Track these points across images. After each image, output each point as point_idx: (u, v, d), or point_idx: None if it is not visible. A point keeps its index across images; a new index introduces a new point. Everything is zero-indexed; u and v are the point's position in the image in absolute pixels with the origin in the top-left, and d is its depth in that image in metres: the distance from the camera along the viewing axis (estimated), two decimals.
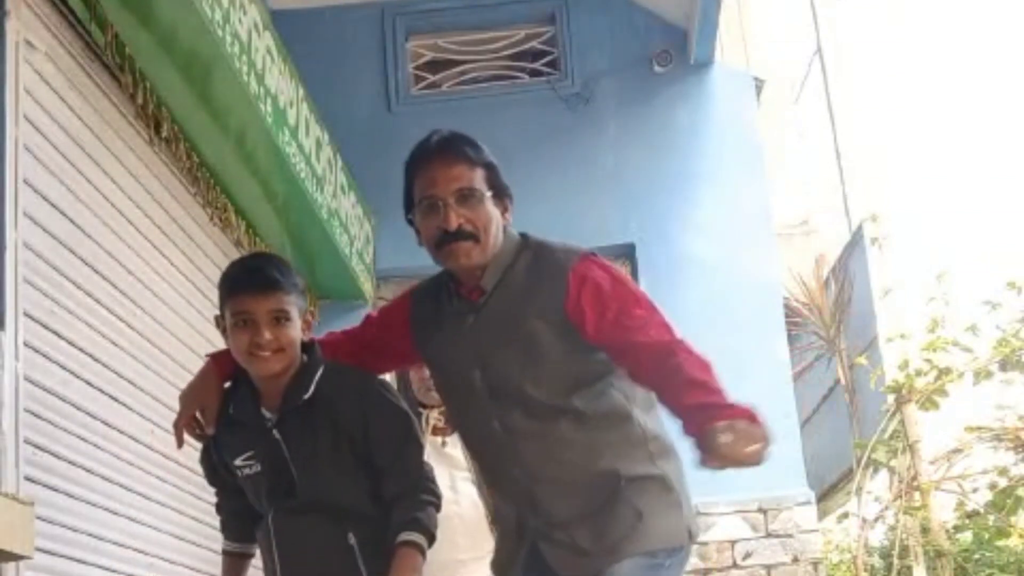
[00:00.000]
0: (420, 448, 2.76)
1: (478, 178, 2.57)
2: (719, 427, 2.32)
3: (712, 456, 2.33)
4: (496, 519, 2.83)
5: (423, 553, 2.63)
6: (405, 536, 2.62)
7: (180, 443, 2.76)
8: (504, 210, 2.63)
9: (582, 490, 2.56)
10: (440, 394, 2.86)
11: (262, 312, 2.64)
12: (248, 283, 2.68)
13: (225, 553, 2.84)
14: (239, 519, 2.82)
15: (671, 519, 2.60)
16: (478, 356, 2.61)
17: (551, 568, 2.57)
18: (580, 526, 2.54)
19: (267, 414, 2.71)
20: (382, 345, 2.81)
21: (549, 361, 2.57)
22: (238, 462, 2.73)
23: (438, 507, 2.72)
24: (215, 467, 2.81)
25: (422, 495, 2.68)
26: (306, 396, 2.69)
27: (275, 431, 2.69)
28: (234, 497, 2.81)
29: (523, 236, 2.69)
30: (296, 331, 2.69)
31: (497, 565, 2.75)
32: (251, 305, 2.65)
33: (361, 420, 2.68)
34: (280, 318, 2.66)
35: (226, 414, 2.74)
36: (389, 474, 2.68)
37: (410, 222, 2.65)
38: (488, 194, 2.57)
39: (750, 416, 2.38)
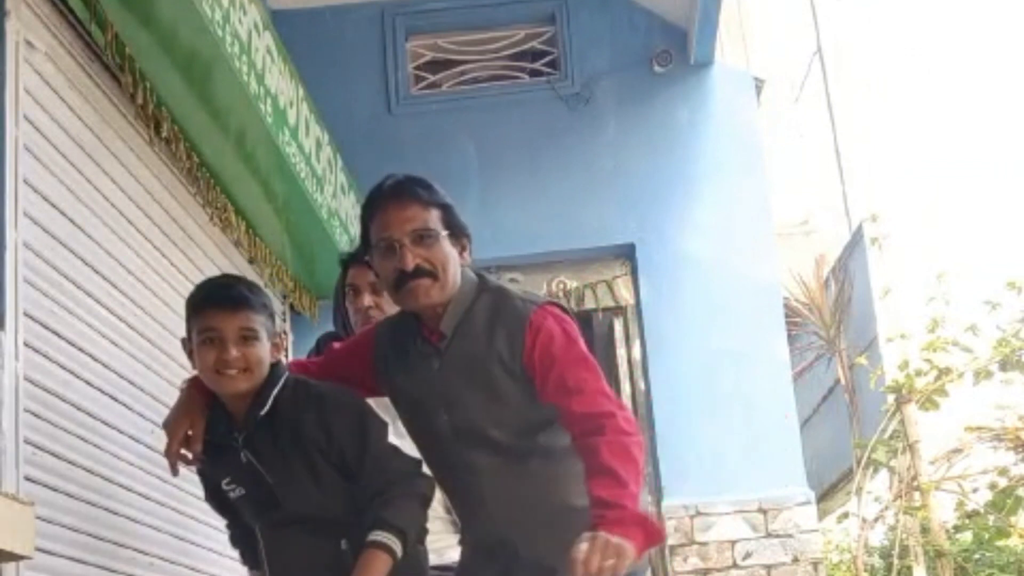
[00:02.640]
0: (386, 443, 2.71)
1: (433, 218, 2.61)
2: (583, 537, 2.33)
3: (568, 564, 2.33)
4: (463, 541, 2.83)
5: (390, 551, 2.56)
6: (371, 536, 2.57)
7: (175, 471, 2.75)
8: (462, 249, 2.65)
9: (551, 527, 2.56)
10: (408, 432, 2.85)
11: (230, 329, 2.62)
12: (216, 299, 2.66)
13: None
14: (254, 547, 2.79)
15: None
16: (444, 399, 2.63)
17: None
18: (550, 555, 2.53)
19: (237, 435, 2.69)
20: (348, 376, 2.82)
21: (511, 406, 2.60)
22: (223, 486, 2.73)
23: (421, 497, 2.67)
24: (215, 495, 2.81)
25: (396, 489, 2.63)
26: (263, 412, 2.66)
27: (244, 452, 2.67)
28: (244, 525, 2.79)
29: (480, 277, 2.71)
30: (264, 351, 2.66)
31: None
32: (219, 322, 2.62)
33: (323, 428, 2.66)
34: (248, 336, 2.63)
35: (207, 441, 2.73)
36: (361, 476, 2.65)
37: (368, 264, 2.69)
38: (444, 233, 2.60)
39: (640, 521, 2.40)
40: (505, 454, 2.61)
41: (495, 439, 2.60)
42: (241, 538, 2.84)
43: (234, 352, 2.61)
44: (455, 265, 2.62)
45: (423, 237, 2.58)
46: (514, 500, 2.60)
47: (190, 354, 2.70)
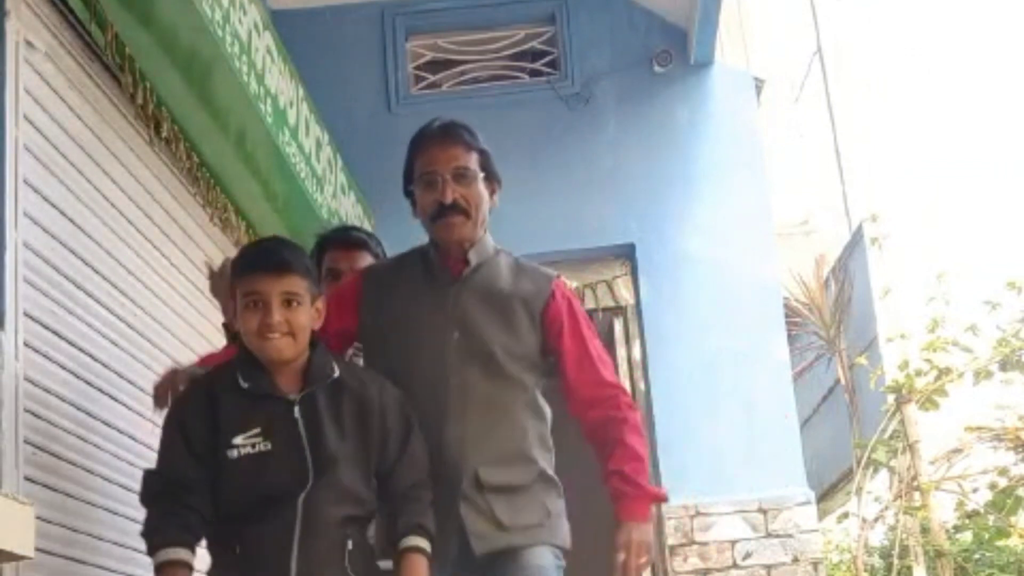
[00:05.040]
0: (422, 442, 2.77)
1: (473, 160, 2.90)
2: (618, 542, 2.79)
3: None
4: None
5: (428, 555, 2.66)
6: (414, 541, 2.65)
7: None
8: (492, 192, 2.95)
9: (509, 464, 2.82)
10: (390, 352, 2.88)
11: (274, 293, 2.62)
12: (261, 263, 2.67)
13: (177, 564, 2.54)
14: (200, 520, 2.59)
15: (565, 524, 2.89)
16: (459, 320, 2.85)
17: (468, 544, 2.75)
18: (499, 498, 2.78)
19: (288, 393, 2.64)
20: (338, 327, 2.92)
21: (521, 340, 2.88)
22: (238, 440, 2.59)
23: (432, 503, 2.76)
24: (194, 454, 2.62)
25: (422, 493, 2.71)
26: (335, 376, 2.68)
27: (296, 409, 2.62)
28: (204, 495, 2.61)
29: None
30: (306, 316, 2.66)
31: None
32: (263, 285, 2.63)
33: (380, 411, 2.70)
34: (291, 301, 2.63)
35: (236, 386, 2.64)
36: (399, 466, 2.70)
37: (408, 194, 2.94)
38: (481, 175, 2.90)
39: (651, 496, 2.88)
40: (499, 383, 2.84)
41: (498, 362, 2.83)
42: (194, 507, 2.58)
43: (277, 316, 2.61)
44: (486, 206, 2.92)
45: (463, 175, 2.87)
46: (486, 428, 2.81)
47: (233, 313, 2.71)
